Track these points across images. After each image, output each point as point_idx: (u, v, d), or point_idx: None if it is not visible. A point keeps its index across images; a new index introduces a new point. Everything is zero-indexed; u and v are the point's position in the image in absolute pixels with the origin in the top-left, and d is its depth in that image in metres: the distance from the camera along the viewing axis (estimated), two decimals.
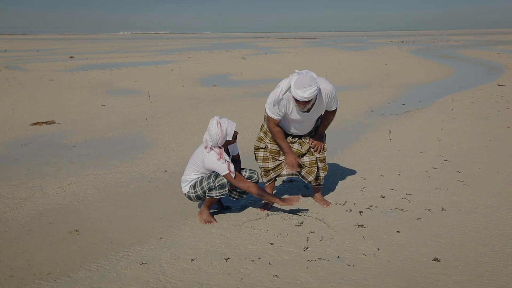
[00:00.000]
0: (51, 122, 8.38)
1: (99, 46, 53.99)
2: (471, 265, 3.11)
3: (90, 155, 6.19)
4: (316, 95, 3.65)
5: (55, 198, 4.55)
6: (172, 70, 19.32)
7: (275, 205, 4.28)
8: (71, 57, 30.33)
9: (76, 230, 3.78)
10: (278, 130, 3.93)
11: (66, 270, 3.17)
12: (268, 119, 3.89)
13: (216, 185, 3.76)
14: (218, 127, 3.65)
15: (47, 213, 4.18)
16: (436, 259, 3.19)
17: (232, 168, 3.71)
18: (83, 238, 3.66)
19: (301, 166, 4.16)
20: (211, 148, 3.71)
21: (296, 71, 3.70)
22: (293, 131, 4.06)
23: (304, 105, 3.66)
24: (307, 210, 4.06)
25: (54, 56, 31.72)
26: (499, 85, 12.72)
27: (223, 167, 3.68)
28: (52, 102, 10.73)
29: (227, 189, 3.80)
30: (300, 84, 3.52)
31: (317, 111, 3.91)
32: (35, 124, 8.23)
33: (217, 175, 3.77)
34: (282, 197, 3.85)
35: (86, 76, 16.67)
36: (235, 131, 3.77)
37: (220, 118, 3.70)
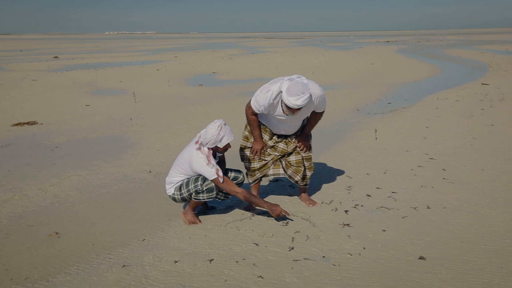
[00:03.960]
0: (33, 123, 8.22)
1: (84, 46, 53.38)
2: (456, 262, 3.11)
3: (72, 156, 6.08)
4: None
5: (35, 200, 4.44)
6: (158, 70, 19.17)
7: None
8: (56, 57, 29.88)
9: (57, 233, 3.69)
10: (254, 118, 3.94)
11: (45, 274, 3.08)
12: (248, 106, 3.88)
13: (204, 188, 3.70)
14: (217, 130, 3.60)
15: (26, 215, 4.07)
16: (421, 258, 3.18)
17: (221, 173, 3.66)
18: (64, 241, 3.56)
19: (285, 165, 4.13)
20: (200, 146, 3.65)
21: (287, 77, 3.67)
22: (280, 131, 4.03)
23: (296, 111, 3.63)
24: (295, 216, 3.98)
25: (38, 56, 31.22)
26: (482, 84, 12.87)
27: (212, 171, 3.62)
28: (34, 103, 10.54)
29: (214, 192, 3.74)
30: (293, 91, 3.49)
31: (304, 113, 3.89)
32: (17, 124, 8.06)
33: (204, 178, 3.71)
34: (272, 203, 3.76)
35: (71, 76, 16.44)
36: (229, 143, 3.72)
37: (225, 124, 3.66)
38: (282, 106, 3.70)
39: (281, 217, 3.87)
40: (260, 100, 3.74)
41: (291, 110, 3.63)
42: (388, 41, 56.45)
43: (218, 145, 3.66)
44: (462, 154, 5.77)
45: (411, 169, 5.21)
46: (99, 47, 51.07)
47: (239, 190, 3.69)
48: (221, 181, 3.65)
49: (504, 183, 4.67)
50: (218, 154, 3.94)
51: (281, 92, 3.63)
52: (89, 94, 12.11)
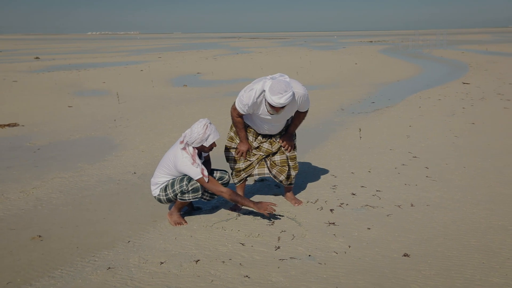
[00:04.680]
0: (14, 125, 8.08)
1: (66, 47, 52.61)
2: (439, 259, 3.16)
3: (55, 158, 5.99)
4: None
5: (17, 203, 4.37)
6: (142, 70, 19.01)
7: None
8: (37, 57, 29.36)
9: (40, 236, 3.63)
10: (239, 120, 3.94)
11: (27, 278, 3.03)
12: (233, 108, 3.88)
13: (190, 188, 3.69)
14: (202, 129, 3.59)
15: (8, 219, 3.99)
16: (406, 255, 3.22)
17: (206, 172, 3.65)
18: (47, 244, 3.51)
19: (270, 164, 4.15)
20: (185, 145, 3.63)
21: (270, 76, 3.68)
22: (264, 131, 4.04)
23: (279, 110, 3.65)
24: (281, 216, 4.00)
25: (18, 57, 30.64)
26: (463, 83, 13.10)
27: (197, 171, 3.61)
28: (15, 104, 10.35)
29: (200, 192, 3.74)
30: (275, 90, 3.50)
31: (288, 113, 3.91)
32: None
33: (190, 178, 3.69)
34: (257, 201, 3.78)
35: (52, 77, 16.20)
36: (214, 142, 3.71)
37: (210, 123, 3.65)
38: (266, 105, 3.71)
39: (268, 216, 3.87)
40: (244, 100, 3.74)
41: (275, 109, 3.64)
42: (371, 41, 56.99)
43: (204, 144, 3.65)
44: (445, 152, 5.87)
45: (395, 168, 5.27)
46: (81, 47, 50.43)
47: (224, 189, 3.69)
48: (206, 181, 3.64)
49: (485, 181, 4.77)
50: (204, 154, 3.93)
51: (264, 91, 3.64)
52: (71, 95, 11.95)
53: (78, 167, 5.54)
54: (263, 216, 3.93)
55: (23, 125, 8.10)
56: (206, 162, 4.01)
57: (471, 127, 7.34)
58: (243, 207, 4.07)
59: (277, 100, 3.50)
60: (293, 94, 3.59)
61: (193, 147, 3.67)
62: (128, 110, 9.67)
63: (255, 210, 3.79)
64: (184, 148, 3.65)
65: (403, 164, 5.39)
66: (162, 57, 29.25)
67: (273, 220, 3.87)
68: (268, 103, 3.60)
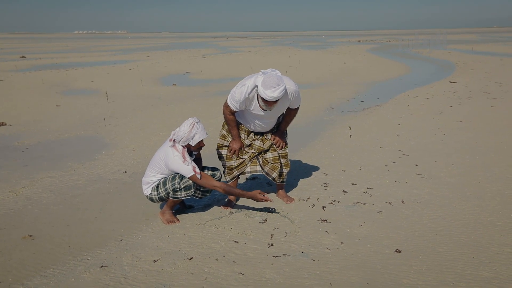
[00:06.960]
0: (2, 124, 7.97)
1: (53, 46, 51.92)
2: (430, 254, 3.20)
3: (44, 157, 5.93)
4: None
5: (6, 202, 4.31)
6: (130, 69, 18.88)
7: (239, 202, 4.25)
8: (23, 56, 28.94)
9: (30, 235, 3.60)
10: (232, 118, 3.95)
11: (19, 277, 3.00)
12: (226, 105, 3.89)
13: (182, 186, 3.69)
14: (189, 128, 3.60)
15: None
16: (397, 251, 3.26)
17: (197, 169, 3.66)
18: (38, 243, 3.48)
19: (262, 162, 4.16)
20: (174, 143, 3.63)
21: (262, 71, 3.70)
22: (256, 128, 4.06)
23: (272, 104, 3.66)
24: (272, 208, 4.03)
25: (3, 56, 30.17)
26: (451, 82, 13.26)
27: (188, 169, 3.62)
28: (2, 104, 10.21)
29: (192, 190, 3.74)
30: (268, 84, 3.52)
31: (280, 109, 3.93)
32: None
33: (182, 176, 3.69)
34: (252, 192, 3.82)
35: (39, 76, 15.99)
36: (202, 141, 3.71)
37: (198, 122, 3.66)
38: (258, 100, 3.72)
39: (259, 209, 3.89)
40: (236, 96, 3.75)
41: (268, 104, 3.65)
42: (359, 41, 57.33)
43: (190, 143, 3.65)
44: (434, 150, 5.94)
45: (385, 165, 5.32)
46: (68, 46, 49.82)
47: (218, 184, 3.70)
48: (199, 177, 3.65)
49: (473, 177, 4.84)
50: (194, 152, 3.93)
51: (256, 86, 3.65)
52: (59, 95, 11.83)
53: (68, 166, 5.50)
54: (255, 209, 3.96)
55: (10, 125, 8.00)
56: (197, 160, 4.01)
57: (459, 125, 7.44)
58: (236, 202, 4.09)
59: (271, 94, 3.52)
60: (286, 88, 3.61)
61: (182, 146, 3.67)
62: (117, 109, 9.60)
63: (252, 199, 3.82)
64: (173, 146, 3.65)
65: (393, 162, 5.45)
66: (151, 56, 29.07)
67: (265, 217, 3.88)
68: (261, 97, 3.61)
